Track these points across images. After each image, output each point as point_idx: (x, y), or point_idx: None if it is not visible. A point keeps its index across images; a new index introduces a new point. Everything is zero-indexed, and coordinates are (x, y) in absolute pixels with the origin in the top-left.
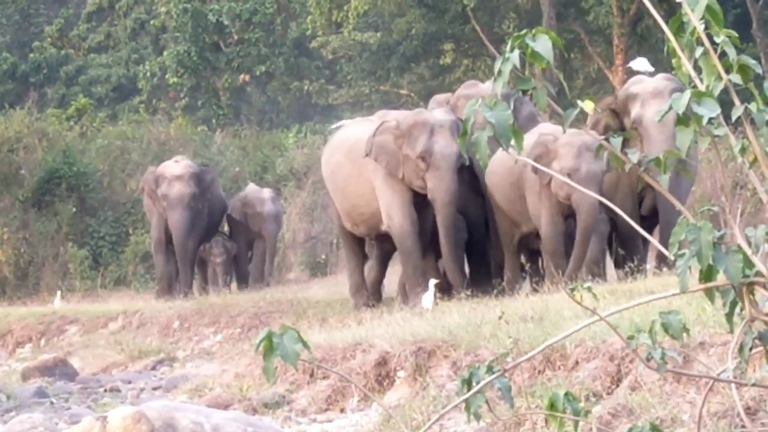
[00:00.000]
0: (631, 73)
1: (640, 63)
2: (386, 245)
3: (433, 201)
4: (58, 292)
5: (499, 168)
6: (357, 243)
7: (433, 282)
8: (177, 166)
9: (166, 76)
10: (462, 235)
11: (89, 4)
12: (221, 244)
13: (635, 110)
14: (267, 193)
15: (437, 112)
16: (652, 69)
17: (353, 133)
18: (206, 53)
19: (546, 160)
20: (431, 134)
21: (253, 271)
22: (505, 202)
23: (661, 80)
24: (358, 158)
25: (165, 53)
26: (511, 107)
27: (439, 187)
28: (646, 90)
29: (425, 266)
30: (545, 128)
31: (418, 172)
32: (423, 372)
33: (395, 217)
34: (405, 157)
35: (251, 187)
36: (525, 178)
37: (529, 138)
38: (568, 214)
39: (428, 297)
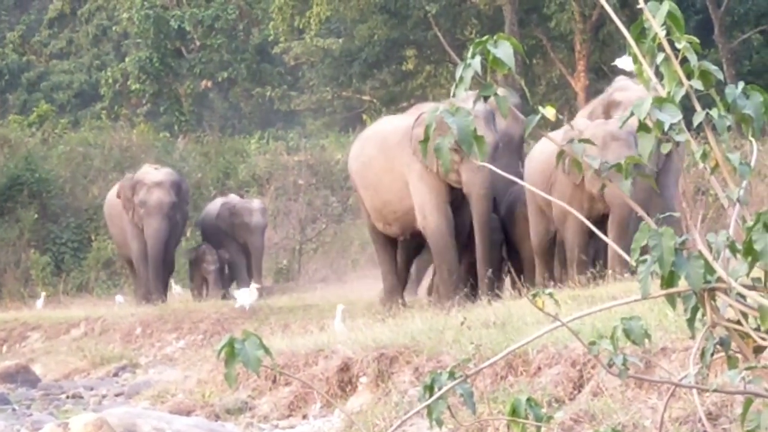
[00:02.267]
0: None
1: (625, 61)
2: (413, 245)
3: (469, 195)
4: (42, 294)
5: (537, 166)
6: (389, 243)
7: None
8: (157, 173)
9: (128, 83)
10: (498, 236)
11: (51, 10)
12: (214, 252)
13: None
14: (256, 204)
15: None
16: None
17: (387, 125)
18: (168, 59)
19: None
20: None
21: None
22: (544, 202)
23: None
24: (391, 151)
25: (127, 59)
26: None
27: (474, 180)
28: (630, 99)
29: (461, 270)
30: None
31: (452, 165)
32: (385, 378)
33: (430, 216)
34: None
35: (235, 198)
36: (555, 178)
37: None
38: (602, 213)
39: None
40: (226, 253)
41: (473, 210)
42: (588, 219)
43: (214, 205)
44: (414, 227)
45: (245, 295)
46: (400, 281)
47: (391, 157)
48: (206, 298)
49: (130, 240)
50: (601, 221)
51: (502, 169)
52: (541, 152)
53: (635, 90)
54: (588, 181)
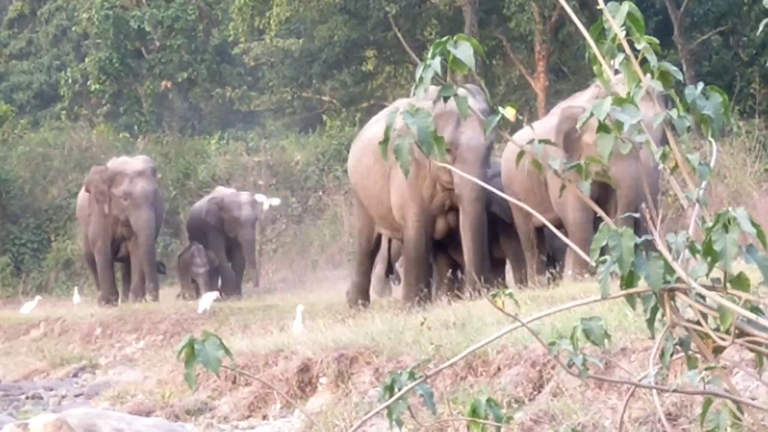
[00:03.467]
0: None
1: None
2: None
3: (460, 197)
4: (37, 297)
5: (514, 155)
6: (374, 252)
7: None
8: (136, 161)
9: (88, 83)
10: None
11: (11, 10)
12: (204, 253)
13: None
14: (245, 196)
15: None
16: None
17: (379, 130)
18: (128, 60)
19: (575, 136)
20: (457, 124)
21: (232, 281)
22: (522, 191)
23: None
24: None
25: (87, 60)
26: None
27: (466, 182)
28: None
29: (427, 279)
30: (572, 103)
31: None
32: (345, 378)
33: (410, 222)
34: None
35: (224, 190)
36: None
37: (549, 121)
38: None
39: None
40: (215, 255)
41: (463, 213)
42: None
43: (202, 203)
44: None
45: (205, 300)
46: (367, 289)
47: (386, 164)
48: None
49: (95, 236)
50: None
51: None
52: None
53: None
54: (587, 158)
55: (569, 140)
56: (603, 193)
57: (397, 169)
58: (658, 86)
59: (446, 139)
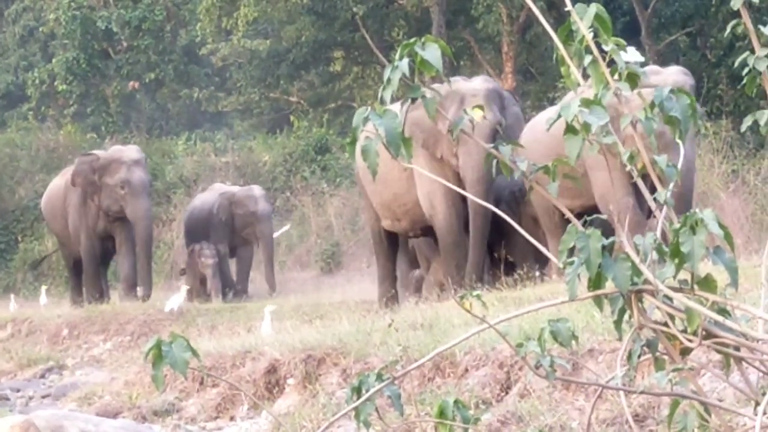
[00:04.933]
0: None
1: (631, 53)
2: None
3: (463, 180)
4: (12, 296)
5: (539, 138)
6: (390, 247)
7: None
8: (131, 151)
9: (55, 83)
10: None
11: None
12: (212, 246)
13: None
14: (258, 190)
15: (475, 79)
16: (642, 59)
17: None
18: (95, 60)
19: (614, 126)
20: (461, 104)
21: (239, 280)
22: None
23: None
24: None
25: (54, 60)
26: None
27: (468, 163)
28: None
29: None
30: None
31: (450, 149)
32: (313, 380)
33: (439, 207)
34: (441, 134)
35: (226, 186)
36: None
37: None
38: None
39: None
40: (223, 247)
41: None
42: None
43: (204, 199)
44: (424, 221)
45: (174, 300)
46: (393, 287)
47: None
48: (209, 297)
49: (80, 233)
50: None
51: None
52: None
53: (668, 72)
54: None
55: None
56: (651, 186)
57: (417, 156)
58: (625, 88)
59: (450, 120)
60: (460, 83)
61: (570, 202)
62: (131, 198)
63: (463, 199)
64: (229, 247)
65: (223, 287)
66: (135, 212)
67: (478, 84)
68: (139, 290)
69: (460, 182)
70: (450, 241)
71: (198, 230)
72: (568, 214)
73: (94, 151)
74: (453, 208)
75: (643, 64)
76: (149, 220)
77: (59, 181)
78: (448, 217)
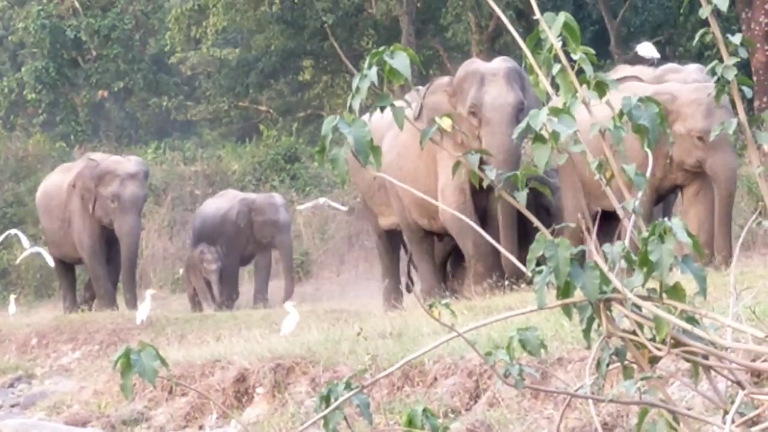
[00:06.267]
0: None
1: (646, 48)
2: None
3: (487, 162)
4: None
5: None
6: (428, 242)
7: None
8: (129, 163)
9: (24, 92)
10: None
11: None
12: (213, 250)
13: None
14: (279, 199)
15: (495, 60)
16: (658, 55)
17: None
18: (64, 69)
19: (665, 124)
20: (481, 84)
21: (258, 288)
22: (586, 176)
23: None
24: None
25: (23, 69)
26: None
27: (492, 144)
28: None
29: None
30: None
31: (473, 132)
32: (282, 389)
33: (450, 198)
34: (460, 118)
35: (241, 193)
36: (629, 147)
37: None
38: (675, 184)
39: (291, 321)
40: (234, 254)
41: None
42: (657, 191)
43: (218, 205)
44: None
45: (142, 310)
46: (439, 281)
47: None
48: (212, 303)
49: (82, 235)
50: (665, 195)
51: None
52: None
53: (687, 71)
54: (680, 151)
55: None
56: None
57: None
58: (593, 96)
59: (469, 101)
60: (478, 63)
61: (607, 202)
62: (120, 213)
63: (482, 189)
64: (246, 255)
65: (229, 294)
66: (121, 228)
67: (497, 63)
68: (125, 308)
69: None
70: (458, 227)
71: (209, 236)
72: (537, 222)
73: (97, 157)
74: (463, 195)
75: (658, 62)
76: (135, 237)
77: (57, 178)
78: (456, 204)
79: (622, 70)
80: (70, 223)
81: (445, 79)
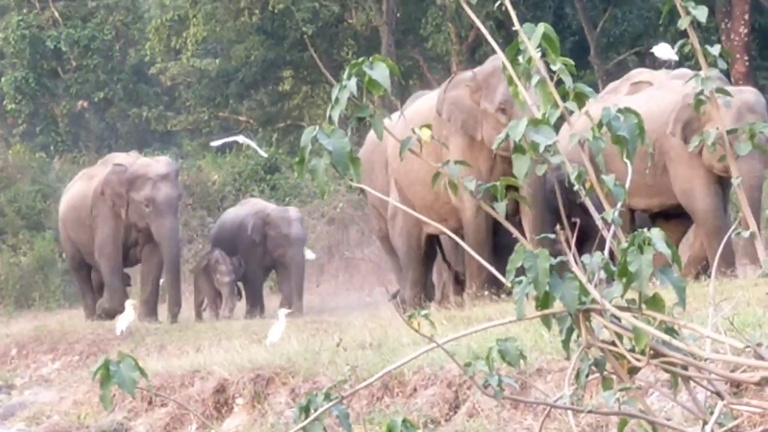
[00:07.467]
0: None
1: (664, 49)
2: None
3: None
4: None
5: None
6: (422, 251)
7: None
8: (160, 164)
9: (4, 103)
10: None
11: None
12: (228, 260)
13: None
14: (293, 213)
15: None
16: (676, 57)
17: (423, 103)
18: (44, 79)
19: (697, 125)
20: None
21: (286, 297)
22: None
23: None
24: (434, 131)
25: (3, 79)
26: None
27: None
28: (655, 79)
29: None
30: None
31: (499, 129)
32: (261, 399)
33: (467, 200)
34: (484, 114)
35: (262, 203)
36: (668, 146)
37: (664, 97)
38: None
39: (278, 329)
40: (253, 266)
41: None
42: (717, 187)
43: (236, 213)
44: None
45: (122, 321)
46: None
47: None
48: (222, 315)
49: (104, 242)
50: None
51: None
52: (648, 110)
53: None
54: (709, 154)
55: (690, 129)
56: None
57: (454, 142)
58: (573, 107)
59: (500, 98)
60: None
61: (647, 201)
62: (155, 217)
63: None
64: (264, 267)
65: (254, 304)
66: (159, 232)
67: None
68: (169, 317)
69: (504, 167)
70: (480, 237)
71: (226, 245)
72: (516, 233)
73: (123, 161)
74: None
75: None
76: (175, 239)
77: (80, 187)
78: (476, 213)
79: (639, 74)
80: (92, 230)
81: (468, 73)
